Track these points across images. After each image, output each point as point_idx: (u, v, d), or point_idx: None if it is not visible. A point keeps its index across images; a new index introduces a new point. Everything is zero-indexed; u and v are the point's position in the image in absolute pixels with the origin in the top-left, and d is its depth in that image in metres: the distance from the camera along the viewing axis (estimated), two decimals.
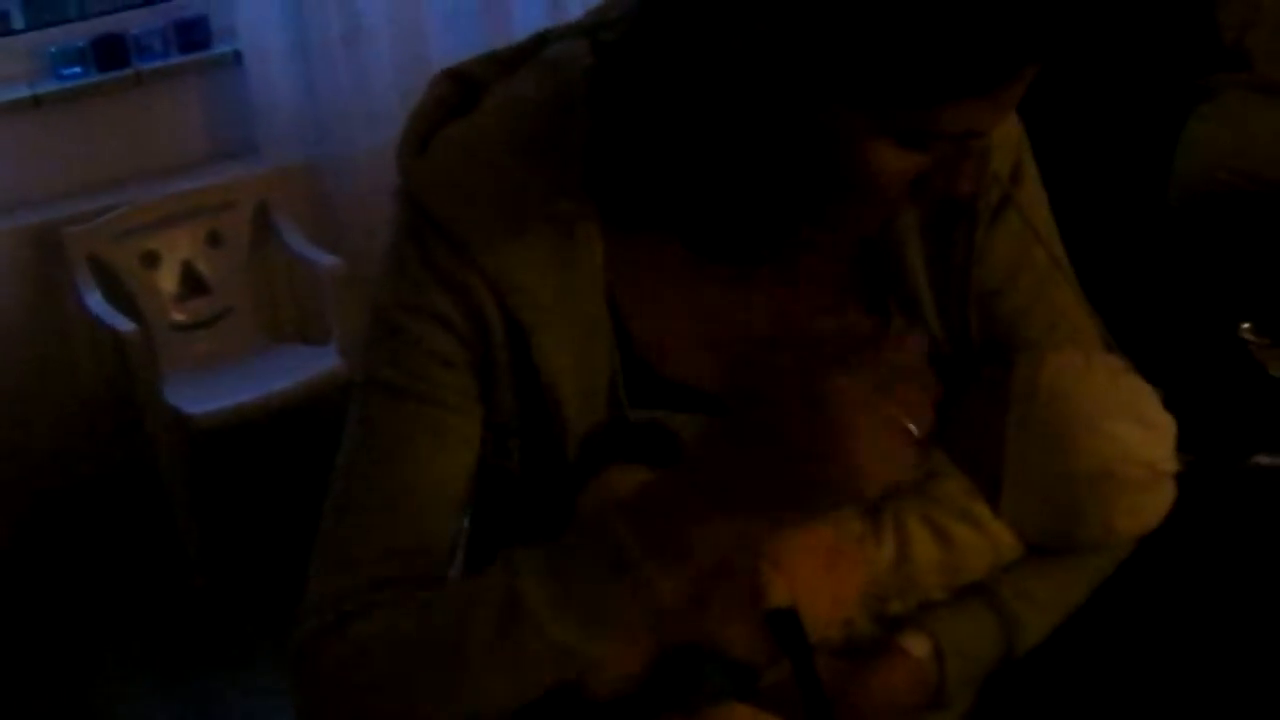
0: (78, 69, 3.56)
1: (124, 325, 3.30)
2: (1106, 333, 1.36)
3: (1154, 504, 1.24)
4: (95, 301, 3.40)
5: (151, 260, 3.54)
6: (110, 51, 3.58)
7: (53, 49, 3.54)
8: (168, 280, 3.56)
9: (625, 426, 1.24)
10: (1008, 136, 1.28)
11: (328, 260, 3.52)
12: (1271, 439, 1.65)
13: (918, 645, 1.22)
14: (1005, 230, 1.29)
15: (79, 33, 3.59)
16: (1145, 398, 1.25)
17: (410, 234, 1.21)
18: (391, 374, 1.21)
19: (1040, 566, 1.27)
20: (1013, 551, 1.26)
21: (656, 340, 1.25)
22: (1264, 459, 1.64)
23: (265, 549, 3.42)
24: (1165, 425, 1.24)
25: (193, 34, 3.67)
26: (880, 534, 1.22)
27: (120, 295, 3.48)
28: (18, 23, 3.75)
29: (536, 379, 1.21)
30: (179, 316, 3.57)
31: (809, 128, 1.08)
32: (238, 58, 3.64)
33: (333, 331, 3.52)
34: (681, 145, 1.14)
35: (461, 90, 1.26)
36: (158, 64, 3.63)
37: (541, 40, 1.29)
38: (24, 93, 3.49)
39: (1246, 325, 1.66)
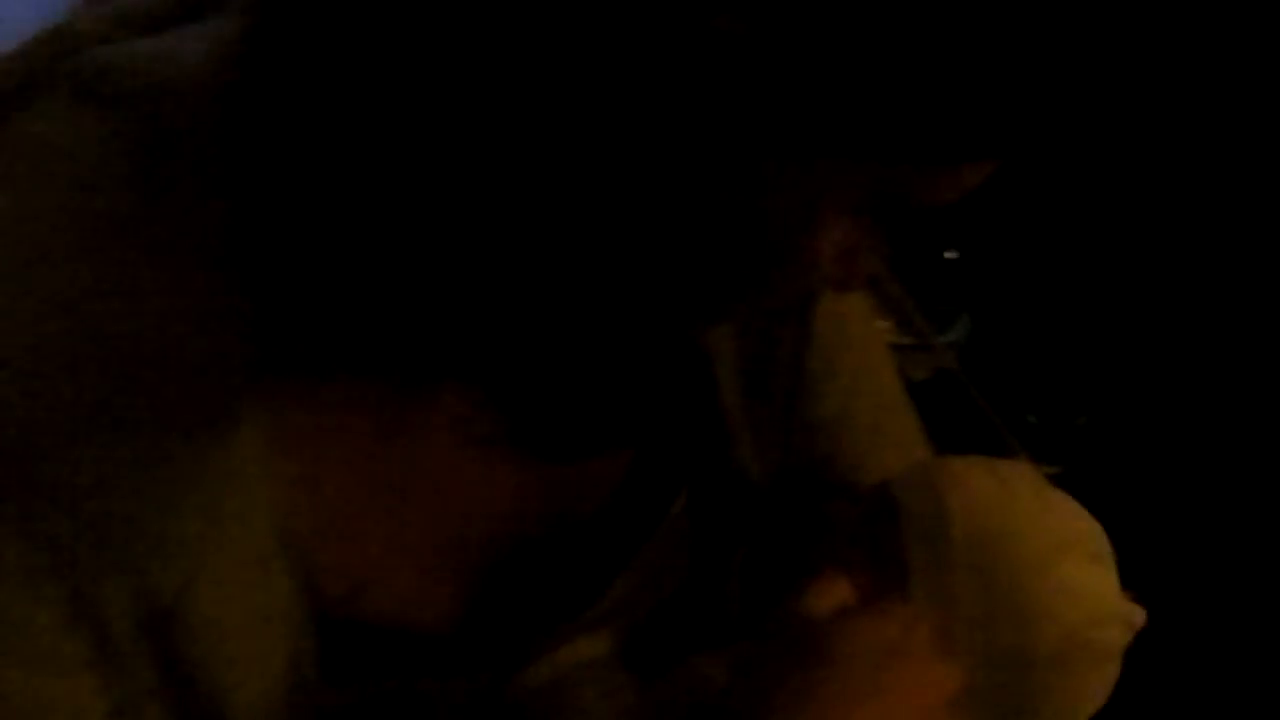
0: None
1: None
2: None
3: (1116, 671, 0.85)
4: None
5: None
6: None
7: None
8: None
9: None
10: None
11: None
12: None
13: None
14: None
15: None
16: (1082, 519, 0.86)
17: None
18: None
19: None
20: None
21: (349, 561, 0.73)
22: None
23: None
24: (1110, 553, 0.85)
25: None
26: None
27: None
28: None
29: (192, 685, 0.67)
30: None
31: (742, 194, 0.62)
32: None
33: None
34: (485, 237, 0.65)
35: None
36: None
37: (58, 47, 0.71)
38: None
39: (885, 325, 1.31)
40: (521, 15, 0.59)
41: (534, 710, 0.76)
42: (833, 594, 0.79)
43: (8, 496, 0.62)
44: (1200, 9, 1.52)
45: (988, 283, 1.38)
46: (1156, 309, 1.59)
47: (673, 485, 0.83)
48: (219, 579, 0.66)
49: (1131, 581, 0.95)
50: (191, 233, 0.66)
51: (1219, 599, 1.36)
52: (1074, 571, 0.82)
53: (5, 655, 0.62)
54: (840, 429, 0.89)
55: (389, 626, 0.74)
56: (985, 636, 0.81)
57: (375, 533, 0.74)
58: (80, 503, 0.62)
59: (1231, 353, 1.60)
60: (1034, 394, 1.37)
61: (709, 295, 0.67)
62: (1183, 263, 1.69)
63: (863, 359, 0.91)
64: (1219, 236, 1.73)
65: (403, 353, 0.71)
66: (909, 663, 0.77)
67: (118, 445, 0.63)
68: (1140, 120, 1.42)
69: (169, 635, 0.65)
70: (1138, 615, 0.84)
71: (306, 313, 0.69)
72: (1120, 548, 0.96)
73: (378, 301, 0.69)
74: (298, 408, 0.70)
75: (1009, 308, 1.42)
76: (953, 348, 1.33)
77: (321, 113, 0.65)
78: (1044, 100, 0.61)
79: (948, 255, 1.30)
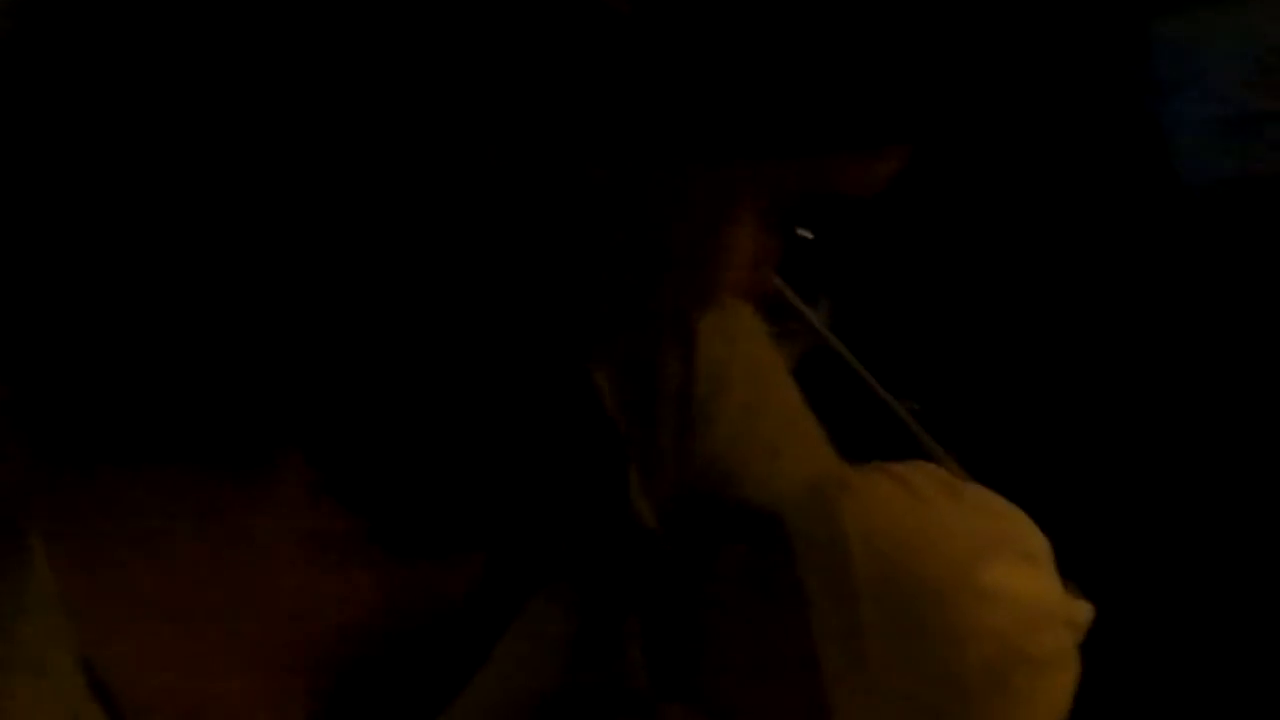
0: None
1: None
2: None
3: (1070, 679, 0.75)
4: None
5: None
6: None
7: None
8: None
9: None
10: None
11: None
12: None
13: None
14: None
15: None
16: (1008, 516, 0.75)
17: None
18: None
19: None
20: None
21: (174, 690, 0.61)
22: None
23: None
24: (1047, 549, 0.75)
25: None
26: None
27: None
28: None
29: None
30: None
31: (642, 197, 0.53)
32: None
33: None
34: (306, 267, 0.54)
35: None
36: None
37: None
38: None
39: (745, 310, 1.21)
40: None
41: None
42: None
43: None
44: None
45: (847, 263, 1.29)
46: (1016, 290, 1.55)
47: (547, 558, 0.71)
48: None
49: None
50: None
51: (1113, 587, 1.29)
52: (1002, 575, 0.71)
53: None
54: (740, 448, 0.78)
55: None
56: (904, 669, 0.70)
57: (202, 652, 0.62)
58: None
59: (1095, 327, 1.56)
60: (907, 379, 1.28)
61: (598, 317, 0.57)
62: (1044, 241, 1.66)
63: (755, 374, 0.80)
64: (1074, 216, 1.71)
65: (211, 436, 0.57)
66: None
67: None
68: (1008, 96, 1.36)
69: None
70: (1082, 612, 0.73)
71: (84, 397, 0.56)
72: None
73: (166, 370, 0.55)
74: (95, 514, 0.58)
75: (872, 288, 1.34)
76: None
77: (65, 157, 0.53)
78: (967, 74, 0.55)
79: (802, 234, 1.20)
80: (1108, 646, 0.76)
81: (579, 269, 0.54)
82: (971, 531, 0.72)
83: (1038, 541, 0.74)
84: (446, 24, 0.49)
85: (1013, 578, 0.72)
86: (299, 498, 0.60)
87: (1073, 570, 0.74)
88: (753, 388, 0.78)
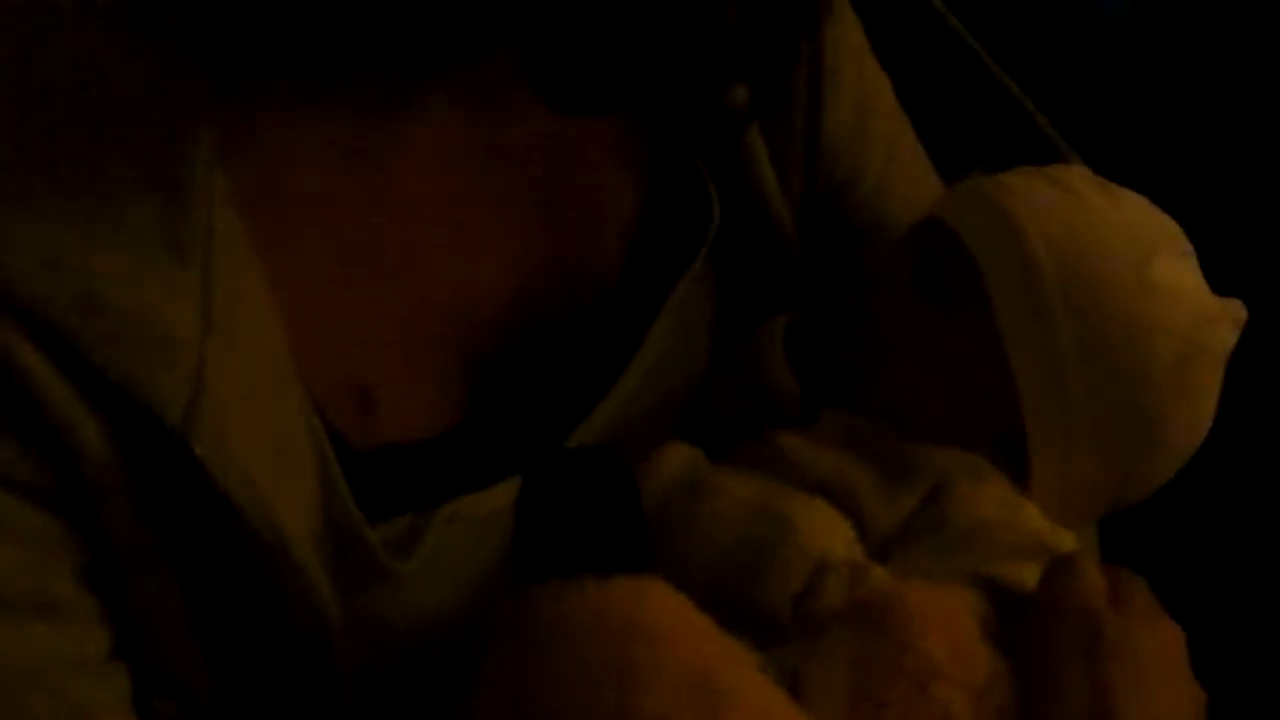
0: None
1: None
2: None
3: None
4: None
5: None
6: None
7: None
8: None
9: None
10: None
11: None
12: None
13: None
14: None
15: None
16: (1157, 213, 0.74)
17: None
18: None
19: None
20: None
21: (346, 361, 0.60)
22: None
23: None
24: (1192, 247, 0.74)
25: None
26: None
27: None
28: None
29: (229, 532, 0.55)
30: None
31: None
32: None
33: None
34: None
35: None
36: None
37: None
38: None
39: None
40: None
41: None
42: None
43: None
44: None
45: None
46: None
47: (680, 255, 0.69)
48: (235, 376, 0.54)
49: None
50: None
51: None
52: (1171, 270, 0.71)
53: None
54: (857, 146, 0.76)
55: (405, 443, 0.61)
56: (1095, 363, 0.69)
57: (360, 315, 0.61)
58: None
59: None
60: None
61: None
62: (970, 84, 1.66)
63: (860, 65, 0.76)
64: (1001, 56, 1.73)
65: (375, 42, 0.57)
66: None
67: (77, 177, 0.52)
68: None
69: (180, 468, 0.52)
70: (1240, 309, 0.73)
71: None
72: None
73: None
74: (268, 138, 0.58)
75: None
76: None
77: None
78: None
79: None
80: None
81: None
82: (1135, 230, 0.71)
83: (1185, 238, 0.73)
84: None
85: (1181, 274, 0.71)
86: (455, 106, 0.61)
87: None
88: (860, 78, 0.76)
